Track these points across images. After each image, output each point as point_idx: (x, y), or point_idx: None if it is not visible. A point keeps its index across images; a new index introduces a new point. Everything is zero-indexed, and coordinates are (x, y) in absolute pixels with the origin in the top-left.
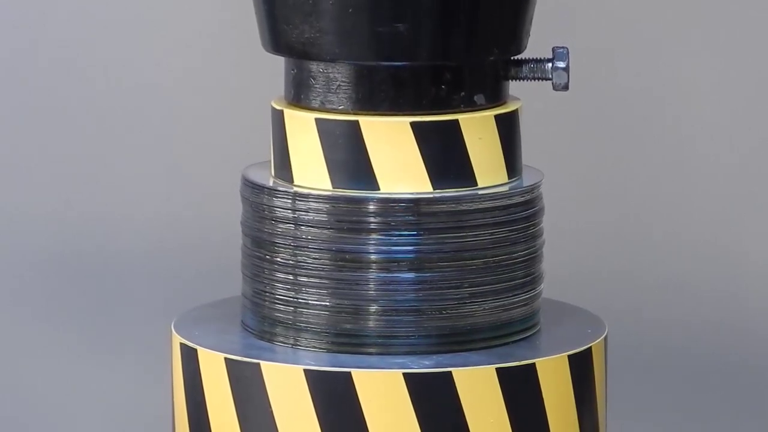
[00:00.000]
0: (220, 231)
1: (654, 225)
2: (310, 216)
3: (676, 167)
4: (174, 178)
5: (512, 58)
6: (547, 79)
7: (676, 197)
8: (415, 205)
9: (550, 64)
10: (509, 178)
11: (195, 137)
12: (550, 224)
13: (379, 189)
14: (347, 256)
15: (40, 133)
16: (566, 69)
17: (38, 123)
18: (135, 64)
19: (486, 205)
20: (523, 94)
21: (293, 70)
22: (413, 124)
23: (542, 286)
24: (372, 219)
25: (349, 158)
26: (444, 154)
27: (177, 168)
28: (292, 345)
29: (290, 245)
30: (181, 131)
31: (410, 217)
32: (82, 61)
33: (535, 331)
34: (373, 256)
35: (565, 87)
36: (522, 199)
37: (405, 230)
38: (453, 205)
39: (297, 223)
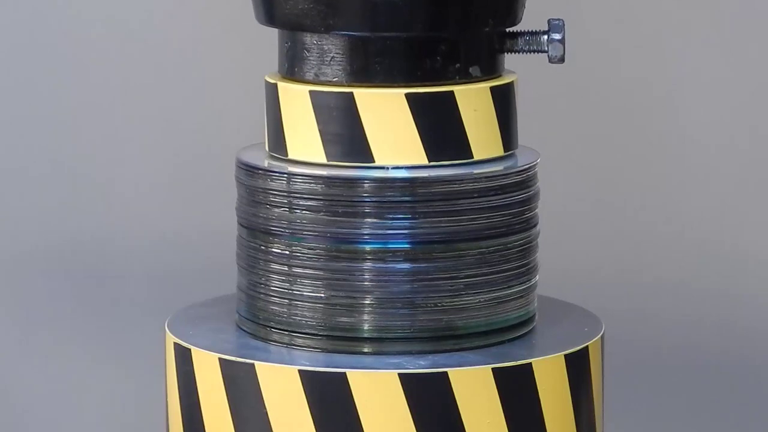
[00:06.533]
0: (215, 229)
1: (653, 224)
2: (305, 199)
3: (676, 166)
4: (169, 177)
5: (507, 30)
6: (542, 51)
7: (676, 196)
8: (410, 184)
9: (545, 36)
10: (505, 151)
11: (190, 137)
12: (548, 222)
13: (374, 161)
14: (342, 247)
15: (37, 132)
16: (562, 41)
17: (35, 121)
18: (130, 59)
19: (481, 186)
20: (523, 92)
21: (287, 43)
22: (408, 96)
23: (537, 278)
24: (366, 200)
25: (344, 131)
26: (439, 126)
27: (172, 167)
28: (287, 344)
29: (285, 231)
30: (175, 131)
31: (405, 198)
32: (79, 60)
33: (530, 328)
34: (368, 243)
35: (561, 59)
36: (518, 178)
37: (400, 213)
38: (448, 185)
39: (291, 206)
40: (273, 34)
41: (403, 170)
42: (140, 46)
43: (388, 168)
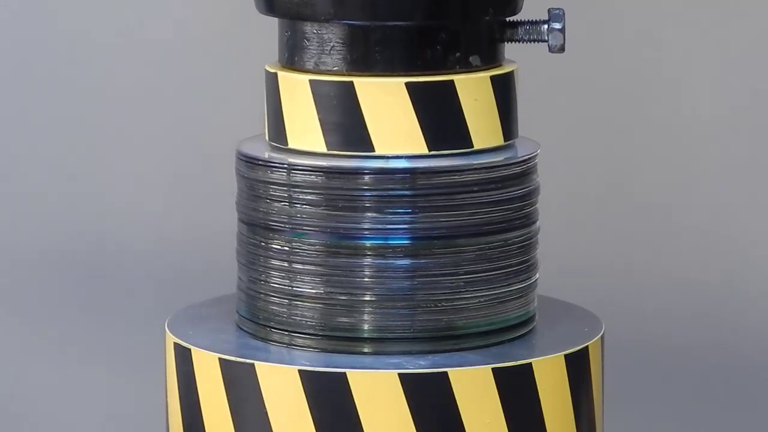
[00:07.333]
0: (215, 229)
1: (654, 221)
2: (305, 193)
3: (679, 163)
4: (169, 177)
5: (508, 19)
6: (542, 40)
7: (678, 194)
8: (410, 174)
9: (545, 26)
10: (505, 141)
11: (190, 136)
12: (547, 219)
13: (374, 150)
14: (342, 243)
15: (37, 132)
16: (562, 30)
17: (35, 121)
18: (129, 56)
19: (481, 176)
20: (525, 92)
21: (287, 32)
22: (408, 85)
23: (537, 276)
24: (366, 193)
25: (344, 120)
26: (439, 115)
27: (172, 167)
28: (287, 344)
29: (285, 227)
30: (174, 131)
31: (405, 192)
32: (78, 59)
33: (531, 327)
34: (367, 236)
35: (561, 49)
36: (518, 169)
37: (400, 207)
38: (448, 176)
39: (292, 200)
40: (273, 24)
41: (403, 160)
42: (139, 43)
43: (388, 157)
